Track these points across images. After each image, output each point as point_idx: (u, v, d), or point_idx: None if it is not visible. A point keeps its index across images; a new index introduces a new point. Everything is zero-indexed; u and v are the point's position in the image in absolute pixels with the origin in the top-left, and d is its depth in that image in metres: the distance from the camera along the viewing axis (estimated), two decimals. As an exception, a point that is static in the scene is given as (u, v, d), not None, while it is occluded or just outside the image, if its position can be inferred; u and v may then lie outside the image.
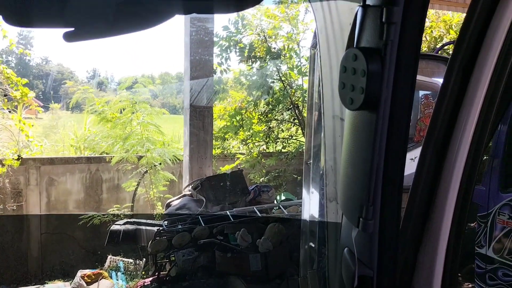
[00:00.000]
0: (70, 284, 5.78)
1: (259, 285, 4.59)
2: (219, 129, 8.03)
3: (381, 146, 0.80)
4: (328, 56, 1.66)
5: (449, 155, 0.89)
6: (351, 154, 0.88)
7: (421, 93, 3.07)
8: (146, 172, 7.13)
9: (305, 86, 7.98)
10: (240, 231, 4.82)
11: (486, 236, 3.71)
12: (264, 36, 7.78)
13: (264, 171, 7.72)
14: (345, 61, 0.82)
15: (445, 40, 7.82)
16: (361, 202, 0.83)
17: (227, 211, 5.41)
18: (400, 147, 0.82)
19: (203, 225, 5.02)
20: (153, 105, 8.21)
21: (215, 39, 7.29)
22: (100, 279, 5.67)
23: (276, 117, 8.11)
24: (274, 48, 7.87)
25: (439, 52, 5.58)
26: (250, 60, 7.84)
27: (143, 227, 5.59)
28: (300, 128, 7.97)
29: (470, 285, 4.01)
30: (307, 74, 8.01)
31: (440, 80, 2.56)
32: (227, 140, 8.12)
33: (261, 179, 7.57)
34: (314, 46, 2.31)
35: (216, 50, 7.51)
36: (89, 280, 5.60)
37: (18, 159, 6.63)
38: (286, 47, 7.91)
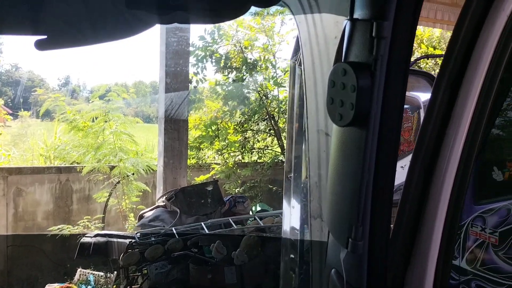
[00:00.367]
0: (37, 299, 5.56)
1: (234, 299, 4.52)
2: (194, 139, 7.97)
3: (371, 163, 0.77)
4: (312, 69, 1.63)
5: (437, 171, 0.87)
6: (338, 171, 0.85)
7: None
8: (118, 182, 6.99)
9: (281, 96, 8.01)
10: (215, 243, 4.75)
11: (459, 248, 3.76)
12: (240, 46, 7.79)
13: (239, 181, 7.68)
14: (334, 75, 0.79)
15: (417, 55, 7.99)
16: (350, 222, 0.80)
17: (202, 223, 5.33)
18: (390, 165, 0.80)
19: (177, 237, 4.94)
20: (126, 114, 8.10)
21: (191, 48, 7.26)
22: (69, 293, 5.48)
23: (251, 127, 8.10)
24: (250, 58, 7.89)
25: (413, 66, 5.69)
26: (226, 70, 7.84)
27: (115, 239, 5.45)
28: (276, 138, 7.98)
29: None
30: (283, 85, 8.10)
31: (419, 94, 2.58)
32: (202, 150, 8.07)
33: (236, 189, 7.53)
34: (294, 58, 2.29)
35: (192, 59, 7.49)
36: (58, 295, 5.40)
37: (-16, 169, 6.38)
38: (262, 58, 7.95)
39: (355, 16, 0.78)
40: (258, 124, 8.14)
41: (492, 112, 0.88)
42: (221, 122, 7.86)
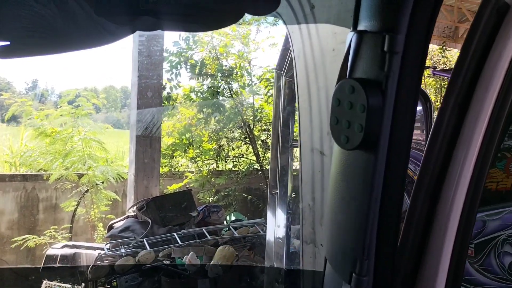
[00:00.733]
0: (-1, 314, 5.32)
1: (208, 312, 4.42)
2: (167, 146, 7.87)
3: (378, 191, 0.70)
4: (306, 83, 1.54)
5: (442, 200, 0.80)
6: (341, 197, 0.77)
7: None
8: (87, 191, 6.80)
9: (256, 105, 7.98)
10: (188, 254, 4.67)
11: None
12: (215, 53, 7.73)
13: (213, 190, 7.60)
14: (339, 93, 0.71)
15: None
16: (354, 255, 0.72)
17: (175, 233, 5.24)
18: (398, 193, 0.72)
19: (148, 248, 4.85)
20: (96, 120, 7.91)
21: (165, 54, 7.16)
22: (33, 308, 5.27)
23: (226, 135, 8.04)
24: (226, 65, 7.85)
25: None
26: (201, 77, 7.76)
27: (83, 251, 5.30)
28: (251, 146, 7.94)
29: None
30: (259, 93, 8.08)
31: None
32: (176, 158, 7.97)
33: (210, 198, 7.44)
34: (279, 68, 2.21)
35: (166, 65, 7.39)
36: (21, 309, 5.18)
37: None
38: (237, 65, 7.90)
39: (361, 27, 0.71)
40: (233, 132, 8.10)
41: (503, 133, 0.82)
42: (195, 130, 7.76)
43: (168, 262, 4.70)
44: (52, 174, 6.66)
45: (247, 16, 7.80)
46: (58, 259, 5.19)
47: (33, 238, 6.32)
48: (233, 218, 6.45)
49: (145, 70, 6.24)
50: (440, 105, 0.80)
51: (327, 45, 1.48)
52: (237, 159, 8.23)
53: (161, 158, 7.04)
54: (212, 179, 7.66)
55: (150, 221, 5.59)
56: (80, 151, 6.86)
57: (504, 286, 1.80)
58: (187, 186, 7.40)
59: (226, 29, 7.82)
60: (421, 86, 0.80)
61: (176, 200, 5.99)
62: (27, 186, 6.87)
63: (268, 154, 7.83)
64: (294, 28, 1.58)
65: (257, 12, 0.85)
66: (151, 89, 6.29)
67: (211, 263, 4.61)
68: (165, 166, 7.76)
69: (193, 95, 8.02)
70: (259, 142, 7.93)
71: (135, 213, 5.92)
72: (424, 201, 0.82)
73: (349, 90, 0.69)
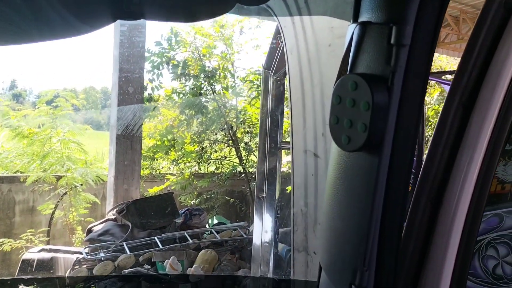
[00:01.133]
0: (-29, 321, 5.14)
1: (189, 318, 4.35)
2: (149, 148, 7.79)
3: (380, 196, 0.64)
4: (300, 80, 1.46)
5: (445, 206, 0.75)
6: (340, 203, 0.71)
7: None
8: (65, 193, 6.70)
9: (240, 106, 7.94)
10: (169, 259, 4.59)
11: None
12: (198, 54, 7.66)
13: (195, 193, 7.54)
14: (341, 89, 0.65)
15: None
16: (354, 266, 0.67)
17: (155, 237, 5.17)
18: (402, 198, 0.67)
19: (128, 252, 4.78)
20: (75, 121, 7.78)
21: (146, 54, 7.05)
22: (8, 315, 5.12)
23: (209, 137, 7.97)
24: (209, 67, 7.79)
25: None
26: (183, 78, 7.68)
27: (61, 255, 5.21)
28: (234, 149, 7.88)
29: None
30: (242, 94, 8.04)
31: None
32: (157, 160, 7.87)
33: (192, 201, 7.37)
34: (267, 67, 2.15)
35: (147, 65, 7.30)
36: (-6, 316, 5.03)
37: None
38: (220, 66, 7.84)
39: (363, 19, 0.65)
40: (216, 134, 8.04)
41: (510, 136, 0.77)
42: (177, 131, 7.68)
43: (149, 267, 4.61)
44: (29, 176, 6.54)
45: (231, 18, 7.76)
46: (35, 263, 5.10)
47: (8, 242, 6.21)
48: (215, 221, 6.39)
49: (125, 70, 6.13)
50: (443, 106, 0.76)
51: (323, 40, 1.41)
52: (219, 162, 8.18)
53: (142, 160, 6.97)
54: (194, 182, 7.60)
55: (130, 224, 5.51)
56: (58, 153, 6.79)
57: (487, 290, 1.78)
58: (169, 188, 7.33)
59: (210, 30, 7.77)
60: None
61: (157, 203, 5.92)
62: (3, 188, 6.72)
63: (252, 157, 7.80)
64: (286, 22, 1.51)
65: (249, 1, 0.79)
66: (131, 90, 6.19)
67: (193, 267, 4.54)
68: (146, 168, 7.67)
69: (175, 96, 7.95)
70: (242, 144, 7.89)
71: (114, 216, 5.82)
72: (426, 207, 0.77)
73: (351, 87, 0.64)
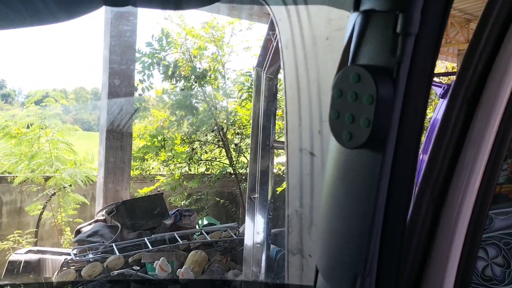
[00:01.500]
0: (-44, 324, 5.04)
1: (179, 320, 4.31)
2: (139, 149, 7.73)
3: (383, 196, 0.62)
4: (295, 76, 1.43)
5: (448, 205, 0.74)
6: (339, 204, 0.68)
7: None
8: (54, 194, 6.62)
9: (230, 108, 7.92)
10: (159, 260, 4.55)
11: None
12: (189, 55, 7.63)
13: (185, 194, 7.49)
14: (342, 82, 0.63)
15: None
16: (355, 270, 0.64)
17: (145, 238, 5.14)
18: (406, 199, 0.65)
19: (117, 253, 4.75)
20: (65, 121, 7.70)
21: (137, 55, 7.00)
22: (-6, 317, 5.03)
23: (199, 138, 7.93)
24: (199, 68, 7.76)
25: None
26: (174, 79, 7.64)
27: (48, 256, 5.15)
28: (224, 150, 7.86)
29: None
30: (233, 96, 8.01)
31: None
32: (147, 160, 7.81)
33: (182, 202, 7.32)
34: (260, 65, 2.13)
35: (138, 66, 7.24)
36: (-20, 319, 4.93)
37: None
38: (211, 67, 7.82)
39: (366, 7, 0.62)
40: (206, 135, 8.00)
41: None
42: (167, 132, 7.63)
43: (138, 268, 4.57)
44: (17, 176, 6.45)
45: (222, 19, 7.75)
46: (22, 265, 5.03)
47: (-5, 243, 6.10)
48: (205, 222, 6.35)
49: (116, 70, 6.08)
50: (447, 102, 0.74)
51: (320, 33, 1.36)
52: (210, 163, 8.15)
53: (132, 161, 6.91)
54: (184, 183, 7.56)
55: (119, 225, 5.46)
56: (47, 153, 6.70)
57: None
58: (159, 189, 7.29)
59: (200, 31, 7.75)
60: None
61: (147, 204, 5.87)
62: (-11, 189, 6.60)
63: (242, 158, 7.78)
64: (281, 15, 1.46)
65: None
66: (122, 90, 6.14)
67: (182, 268, 4.50)
68: (136, 169, 7.61)
69: (165, 97, 7.90)
70: (233, 145, 7.86)
71: (104, 217, 5.78)
72: (428, 208, 0.75)
73: (353, 79, 0.61)
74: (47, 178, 6.56)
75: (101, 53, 6.27)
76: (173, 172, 7.65)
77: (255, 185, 2.13)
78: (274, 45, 1.95)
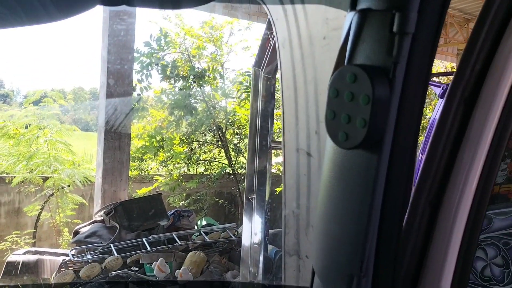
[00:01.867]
0: (-47, 325, 5.05)
1: (177, 321, 4.30)
2: (137, 149, 7.74)
3: (379, 197, 0.61)
4: (292, 76, 1.42)
5: (445, 206, 0.72)
6: (335, 205, 0.67)
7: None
8: (52, 194, 6.61)
9: (229, 108, 7.92)
10: (158, 260, 4.54)
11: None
12: (188, 55, 7.63)
13: (184, 194, 7.49)
14: (338, 82, 0.62)
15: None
16: (351, 271, 0.63)
17: (143, 239, 5.12)
18: (403, 200, 0.64)
19: (115, 254, 4.73)
20: (63, 121, 7.70)
21: (135, 54, 7.00)
22: (-9, 318, 5.04)
23: (198, 139, 7.93)
24: (198, 68, 7.76)
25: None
26: (172, 79, 7.64)
27: (46, 257, 5.14)
28: (223, 150, 7.86)
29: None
30: (232, 96, 8.01)
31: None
32: (146, 161, 7.82)
33: (181, 203, 7.32)
34: (257, 65, 2.12)
35: (136, 66, 7.24)
36: (-22, 320, 4.94)
37: None
38: (210, 67, 7.82)
39: (363, 6, 0.62)
40: (205, 135, 8.01)
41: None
42: (166, 132, 7.63)
43: (136, 269, 4.56)
44: (15, 177, 6.45)
45: (220, 19, 7.74)
46: (20, 266, 5.01)
47: (-7, 244, 6.10)
48: (204, 222, 6.35)
49: (114, 70, 6.07)
50: (444, 101, 0.73)
51: (317, 33, 1.36)
52: (208, 163, 8.15)
53: (130, 161, 6.91)
54: (183, 183, 7.57)
55: (118, 226, 5.44)
56: (45, 153, 6.70)
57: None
58: (157, 190, 7.28)
59: (199, 31, 7.75)
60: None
61: (145, 204, 5.86)
62: (-13, 190, 6.60)
63: (241, 158, 7.78)
64: (278, 14, 1.45)
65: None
66: (120, 90, 6.13)
67: (181, 269, 4.49)
68: (134, 170, 7.62)
69: (164, 97, 7.90)
70: (232, 145, 7.87)
71: (102, 218, 5.75)
72: (425, 209, 0.74)
73: (350, 79, 0.60)
74: (45, 179, 6.56)
75: (99, 53, 6.27)
76: (171, 172, 7.66)
77: (252, 185, 2.13)
78: (272, 44, 1.94)
